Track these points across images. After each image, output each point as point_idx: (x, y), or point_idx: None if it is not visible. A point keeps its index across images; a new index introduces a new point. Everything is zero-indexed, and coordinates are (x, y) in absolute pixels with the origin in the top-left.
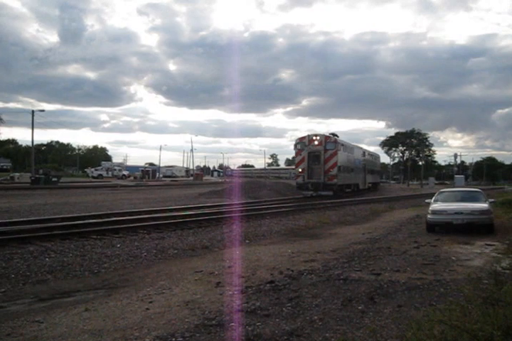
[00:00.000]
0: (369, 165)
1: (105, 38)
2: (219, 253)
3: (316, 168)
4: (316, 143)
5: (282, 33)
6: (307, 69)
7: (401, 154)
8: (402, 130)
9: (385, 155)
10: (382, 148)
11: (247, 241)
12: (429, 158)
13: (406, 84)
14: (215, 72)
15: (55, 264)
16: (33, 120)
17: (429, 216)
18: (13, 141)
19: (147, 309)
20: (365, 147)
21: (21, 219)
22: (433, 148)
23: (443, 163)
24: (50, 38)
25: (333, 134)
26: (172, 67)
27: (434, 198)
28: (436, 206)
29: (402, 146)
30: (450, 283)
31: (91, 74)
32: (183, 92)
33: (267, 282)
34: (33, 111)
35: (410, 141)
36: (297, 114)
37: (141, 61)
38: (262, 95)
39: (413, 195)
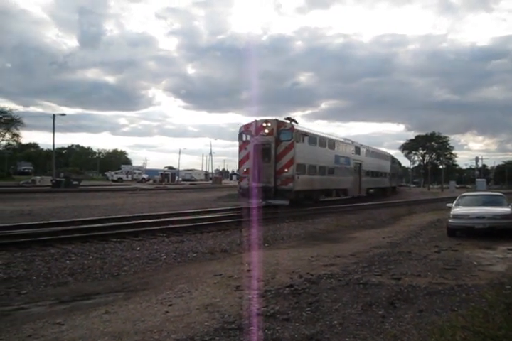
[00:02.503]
0: (369, 165)
1: (124, 42)
2: (238, 256)
3: (266, 166)
4: (266, 131)
5: (300, 35)
6: (326, 72)
7: (421, 157)
8: (422, 133)
9: (405, 159)
10: (402, 151)
11: (266, 245)
12: (450, 161)
13: (426, 87)
14: (233, 76)
15: (75, 267)
16: (54, 124)
17: (450, 220)
18: (34, 145)
19: (167, 312)
20: (385, 149)
21: (42, 222)
22: (454, 152)
23: (464, 167)
24: (70, 42)
25: (290, 119)
26: (190, 70)
27: (455, 202)
28: (457, 210)
29: (422, 150)
30: (472, 289)
31: (110, 79)
32: (201, 96)
33: (286, 286)
34: (54, 115)
35: (430, 144)
36: (316, 117)
37: (159, 65)
38: (280, 98)
39: (434, 198)
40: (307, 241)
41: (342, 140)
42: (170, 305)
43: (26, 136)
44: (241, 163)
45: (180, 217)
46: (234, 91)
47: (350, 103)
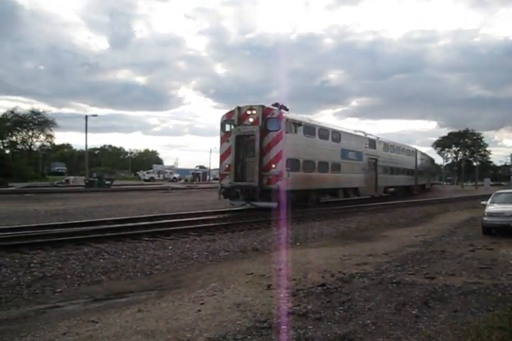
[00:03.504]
0: (388, 161)
1: (153, 42)
2: (269, 255)
3: (250, 162)
4: (250, 120)
5: (329, 33)
6: (355, 69)
7: (454, 155)
8: (455, 130)
9: (438, 156)
10: (435, 148)
11: (297, 244)
12: (484, 158)
13: (458, 83)
14: (262, 75)
15: (108, 265)
16: (86, 125)
17: (485, 218)
18: (67, 146)
19: (199, 310)
20: (417, 147)
21: (76, 221)
22: (488, 148)
23: (498, 164)
24: (101, 44)
25: (278, 105)
26: (220, 70)
27: (490, 200)
28: (492, 208)
29: (456, 147)
30: (508, 288)
31: (140, 79)
32: (231, 95)
33: (318, 285)
34: (86, 117)
35: (464, 141)
36: (346, 115)
37: (189, 65)
38: (310, 97)
39: (468, 196)
40: (339, 239)
41: (351, 132)
42: (202, 304)
43: (60, 137)
44: (222, 158)
45: (211, 216)
46: (263, 90)
47: (380, 100)
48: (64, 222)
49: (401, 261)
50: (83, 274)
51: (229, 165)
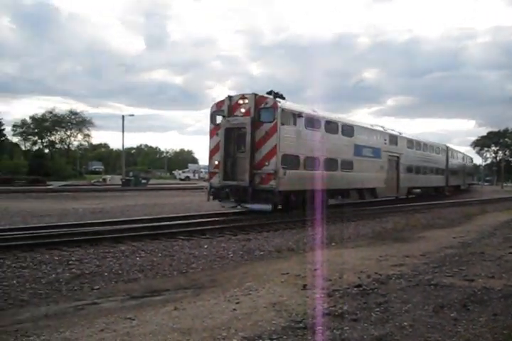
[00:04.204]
0: (412, 159)
1: (189, 42)
2: (305, 255)
3: (241, 158)
4: (242, 110)
5: (365, 31)
6: (392, 68)
7: (494, 154)
8: (495, 129)
9: (477, 156)
10: (474, 148)
11: (333, 244)
12: None
13: (497, 81)
14: (297, 74)
15: (145, 263)
16: (123, 124)
17: None
18: (104, 145)
19: (234, 310)
20: (454, 146)
21: (113, 220)
22: None
23: None
24: (137, 44)
25: (274, 93)
26: (255, 69)
27: None
28: None
29: (495, 146)
30: None
31: (176, 79)
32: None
33: (354, 286)
34: (123, 116)
35: (504, 141)
36: (382, 114)
37: (224, 64)
38: (346, 96)
39: (508, 197)
40: (375, 240)
41: (367, 126)
42: (237, 303)
43: (97, 136)
44: (211, 153)
45: (246, 215)
46: (298, 90)
47: (417, 99)
48: (101, 220)
49: (439, 262)
50: (120, 272)
51: (218, 162)
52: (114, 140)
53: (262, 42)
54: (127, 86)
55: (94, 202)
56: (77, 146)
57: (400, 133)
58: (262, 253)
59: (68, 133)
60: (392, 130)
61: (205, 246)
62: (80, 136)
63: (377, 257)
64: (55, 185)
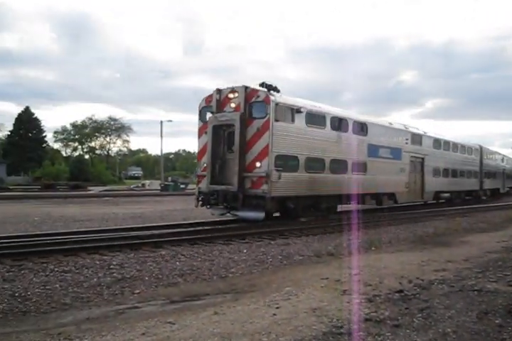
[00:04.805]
0: (440, 161)
1: (224, 48)
2: (344, 260)
3: (230, 159)
4: (232, 105)
5: (402, 33)
6: (430, 69)
7: None
8: None
9: None
10: None
11: (372, 248)
12: None
13: None
14: (334, 77)
15: (185, 268)
16: (161, 130)
17: None
18: (143, 150)
19: (274, 314)
20: (496, 149)
21: (153, 225)
22: None
23: None
24: (173, 50)
25: (267, 85)
26: (290, 73)
27: None
28: None
29: None
30: None
31: (212, 84)
32: (302, 98)
33: (395, 291)
34: (161, 122)
35: None
36: (422, 116)
37: (259, 69)
38: (383, 98)
39: None
40: (416, 244)
41: (384, 123)
42: (277, 308)
43: (135, 142)
44: (200, 154)
45: (284, 220)
46: (335, 93)
47: (456, 101)
48: (142, 225)
49: (482, 267)
50: (160, 276)
51: (206, 165)
52: (152, 145)
53: (297, 46)
54: (165, 92)
55: (134, 206)
56: (117, 152)
57: (425, 132)
58: (301, 257)
59: (108, 139)
60: (416, 128)
61: (244, 251)
62: (119, 142)
63: (419, 262)
64: (95, 190)
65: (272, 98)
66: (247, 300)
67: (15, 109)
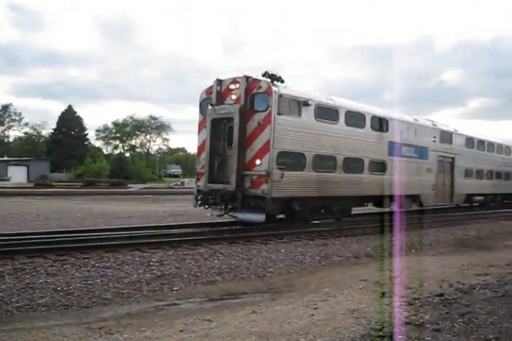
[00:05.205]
0: (473, 161)
1: (265, 47)
2: (383, 262)
3: (230, 156)
4: (233, 97)
5: (446, 31)
6: (475, 68)
7: None
8: None
9: None
10: None
11: (412, 251)
12: None
13: None
14: (374, 76)
15: (223, 266)
16: None
17: None
18: (182, 149)
19: (312, 315)
20: None
21: (193, 222)
22: None
23: None
24: (213, 49)
25: (269, 75)
26: (332, 72)
27: None
28: None
29: None
30: None
31: None
32: (342, 97)
33: (435, 295)
34: None
35: None
36: (466, 116)
37: (301, 68)
38: (425, 98)
39: None
40: (457, 248)
41: (408, 119)
42: (315, 309)
43: (175, 141)
44: (199, 150)
45: (325, 220)
46: (375, 92)
47: (503, 100)
48: (182, 223)
49: None
50: (199, 274)
51: (204, 161)
52: (191, 144)
53: (339, 45)
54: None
55: (174, 204)
56: (156, 150)
57: (456, 130)
58: (339, 258)
59: (148, 137)
60: (446, 126)
61: (283, 251)
62: (159, 140)
63: (460, 265)
64: (135, 187)
65: (274, 89)
66: (284, 299)
67: (58, 108)
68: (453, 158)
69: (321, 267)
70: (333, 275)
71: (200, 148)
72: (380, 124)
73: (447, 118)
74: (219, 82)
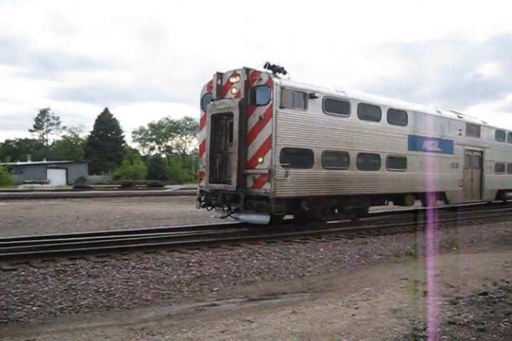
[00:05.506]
0: (504, 155)
1: (295, 46)
2: (424, 260)
3: (231, 154)
4: (234, 91)
5: (481, 24)
6: None
7: None
8: None
9: None
10: None
11: (454, 248)
12: None
13: None
14: (408, 72)
15: (262, 266)
16: None
17: None
18: None
19: (353, 315)
20: None
21: (229, 223)
22: None
23: None
24: (243, 49)
25: (270, 66)
26: (365, 69)
27: None
28: None
29: None
30: None
31: None
32: (377, 94)
33: (479, 293)
34: None
35: None
36: (504, 110)
37: (333, 65)
38: (461, 92)
39: None
40: (499, 245)
41: (430, 111)
42: (356, 308)
43: None
44: (201, 148)
45: (362, 219)
46: (410, 88)
47: None
48: (218, 223)
49: None
50: (238, 274)
51: (205, 160)
52: None
53: (371, 41)
54: None
55: None
56: (192, 151)
57: (484, 122)
58: (379, 257)
59: (183, 138)
60: (474, 118)
61: (321, 250)
62: (194, 141)
63: (503, 263)
64: (172, 188)
65: (275, 81)
66: (325, 299)
67: (95, 111)
68: (481, 152)
69: (361, 266)
70: (373, 274)
71: (202, 146)
72: (398, 117)
73: (485, 112)
74: (219, 75)
